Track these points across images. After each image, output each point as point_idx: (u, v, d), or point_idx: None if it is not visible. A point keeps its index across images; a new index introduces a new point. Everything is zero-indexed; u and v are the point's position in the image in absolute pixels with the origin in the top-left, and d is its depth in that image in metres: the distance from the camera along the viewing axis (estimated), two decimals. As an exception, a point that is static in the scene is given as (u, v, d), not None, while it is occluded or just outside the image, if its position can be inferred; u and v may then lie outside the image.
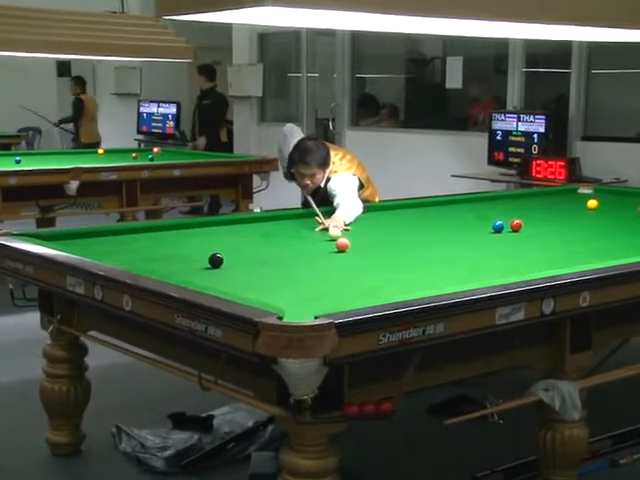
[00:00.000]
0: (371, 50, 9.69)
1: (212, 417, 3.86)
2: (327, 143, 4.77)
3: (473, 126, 8.61)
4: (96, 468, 3.68)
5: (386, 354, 2.45)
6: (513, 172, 7.22)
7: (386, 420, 2.57)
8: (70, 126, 11.73)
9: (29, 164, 6.91)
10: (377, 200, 4.86)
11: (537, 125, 7.10)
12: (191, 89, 11.56)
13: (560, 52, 7.60)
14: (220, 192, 7.66)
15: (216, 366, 2.67)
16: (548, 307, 2.79)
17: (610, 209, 4.78)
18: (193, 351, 2.84)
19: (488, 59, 8.75)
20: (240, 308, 2.46)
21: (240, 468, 3.53)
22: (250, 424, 3.77)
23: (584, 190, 5.46)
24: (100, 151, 8.53)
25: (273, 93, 10.67)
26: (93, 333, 3.51)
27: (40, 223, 6.92)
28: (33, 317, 3.75)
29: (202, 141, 9.70)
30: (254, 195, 7.33)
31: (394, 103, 9.67)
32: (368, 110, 9.58)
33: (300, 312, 2.40)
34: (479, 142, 7.64)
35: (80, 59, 10.43)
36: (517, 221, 4.00)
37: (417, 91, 9.85)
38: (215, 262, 3.16)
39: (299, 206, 5.01)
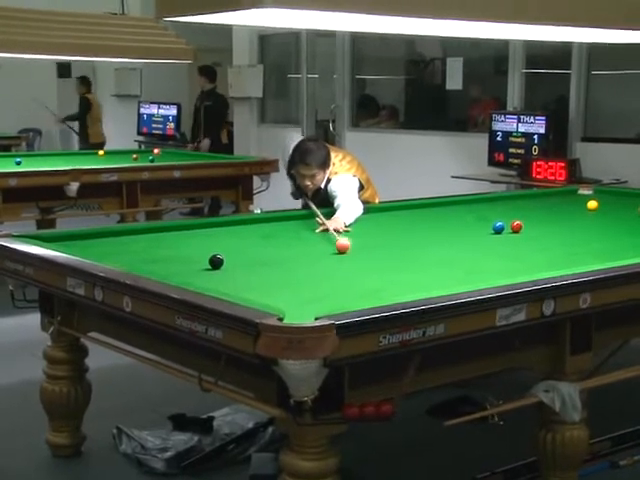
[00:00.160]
0: (371, 51, 9.69)
1: (212, 418, 3.86)
2: (327, 144, 4.77)
3: (473, 127, 8.61)
4: (96, 469, 3.68)
5: (386, 355, 2.45)
6: (513, 173, 7.22)
7: (386, 421, 2.57)
8: (74, 125, 11.71)
9: (29, 165, 6.91)
10: (377, 201, 4.86)
11: (537, 126, 7.10)
12: (191, 90, 11.55)
13: (560, 53, 7.61)
14: (220, 193, 7.66)
15: (216, 367, 2.67)
16: (548, 308, 2.79)
17: (610, 210, 4.78)
18: (193, 352, 2.84)
19: (488, 60, 8.75)
20: (240, 309, 2.46)
21: (240, 469, 3.53)
22: (250, 425, 3.77)
23: (584, 191, 5.46)
24: (100, 152, 8.52)
25: (273, 94, 10.67)
26: (93, 334, 3.51)
27: (40, 224, 6.89)
28: (33, 318, 3.75)
29: (206, 143, 9.64)
30: (254, 196, 7.32)
31: (394, 104, 9.67)
32: (368, 111, 9.57)
33: (300, 313, 2.40)
34: (479, 143, 7.64)
35: (80, 60, 10.43)
36: (517, 222, 4.00)
37: (417, 92, 9.85)
38: (215, 263, 3.16)
39: (299, 207, 5.00)
